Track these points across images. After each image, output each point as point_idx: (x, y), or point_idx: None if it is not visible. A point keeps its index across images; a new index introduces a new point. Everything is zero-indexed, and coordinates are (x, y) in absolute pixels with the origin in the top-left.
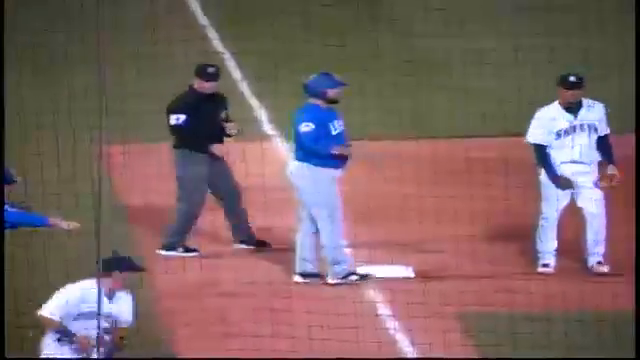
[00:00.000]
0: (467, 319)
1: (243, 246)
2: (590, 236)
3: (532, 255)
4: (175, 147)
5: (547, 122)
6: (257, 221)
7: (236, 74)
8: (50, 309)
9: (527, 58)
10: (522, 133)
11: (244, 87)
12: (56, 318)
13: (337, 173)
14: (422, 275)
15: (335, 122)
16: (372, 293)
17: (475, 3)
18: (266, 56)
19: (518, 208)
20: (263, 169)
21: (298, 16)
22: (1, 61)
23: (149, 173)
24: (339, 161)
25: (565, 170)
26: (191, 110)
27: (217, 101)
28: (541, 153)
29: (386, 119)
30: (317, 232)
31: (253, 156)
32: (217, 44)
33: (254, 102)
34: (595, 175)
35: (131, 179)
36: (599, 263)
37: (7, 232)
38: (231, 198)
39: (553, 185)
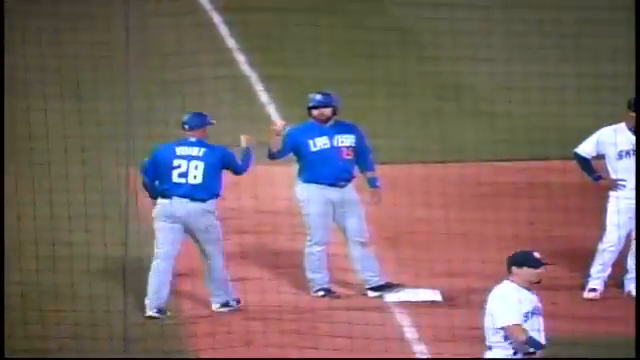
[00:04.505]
0: None
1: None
2: (631, 261)
3: (561, 280)
4: None
5: (602, 142)
6: (284, 244)
7: (264, 98)
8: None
9: (554, 83)
10: (548, 157)
11: (271, 111)
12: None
13: (326, 191)
14: (450, 299)
15: (320, 138)
16: (399, 317)
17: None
18: (294, 81)
19: (545, 232)
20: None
21: (326, 43)
22: (1, 65)
23: None
24: (322, 177)
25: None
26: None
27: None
28: (581, 161)
29: (414, 143)
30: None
31: (280, 180)
32: (245, 68)
33: None
34: None
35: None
36: None
37: None
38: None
39: (617, 212)
